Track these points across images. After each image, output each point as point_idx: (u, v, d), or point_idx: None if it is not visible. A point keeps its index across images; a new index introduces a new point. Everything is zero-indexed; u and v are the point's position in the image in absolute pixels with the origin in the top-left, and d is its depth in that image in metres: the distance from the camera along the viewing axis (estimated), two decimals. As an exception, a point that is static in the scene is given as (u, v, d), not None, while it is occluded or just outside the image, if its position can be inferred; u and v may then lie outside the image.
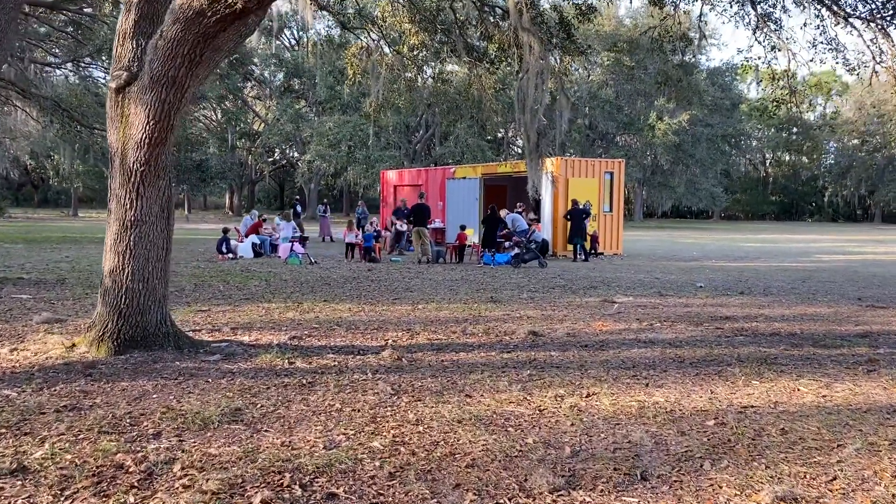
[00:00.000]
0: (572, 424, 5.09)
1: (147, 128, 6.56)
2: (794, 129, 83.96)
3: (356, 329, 8.73)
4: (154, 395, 5.61)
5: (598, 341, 8.21)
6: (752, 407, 5.63)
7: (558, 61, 15.67)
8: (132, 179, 6.72)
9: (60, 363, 6.50)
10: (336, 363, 6.82)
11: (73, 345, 6.98)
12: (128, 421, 4.97)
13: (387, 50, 18.58)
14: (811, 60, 14.81)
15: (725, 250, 27.55)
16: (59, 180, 54.35)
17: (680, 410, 5.51)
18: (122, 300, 6.78)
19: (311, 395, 5.68)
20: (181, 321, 8.98)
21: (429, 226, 20.56)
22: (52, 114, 27.27)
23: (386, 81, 18.84)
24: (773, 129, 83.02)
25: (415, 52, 18.04)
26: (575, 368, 6.79)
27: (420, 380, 6.23)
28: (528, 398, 5.72)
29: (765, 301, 12.18)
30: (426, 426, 4.97)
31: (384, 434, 4.79)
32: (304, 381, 6.08)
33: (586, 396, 5.81)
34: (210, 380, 6.09)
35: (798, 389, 6.19)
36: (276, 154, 68.87)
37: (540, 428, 5.00)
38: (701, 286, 14.19)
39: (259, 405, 5.39)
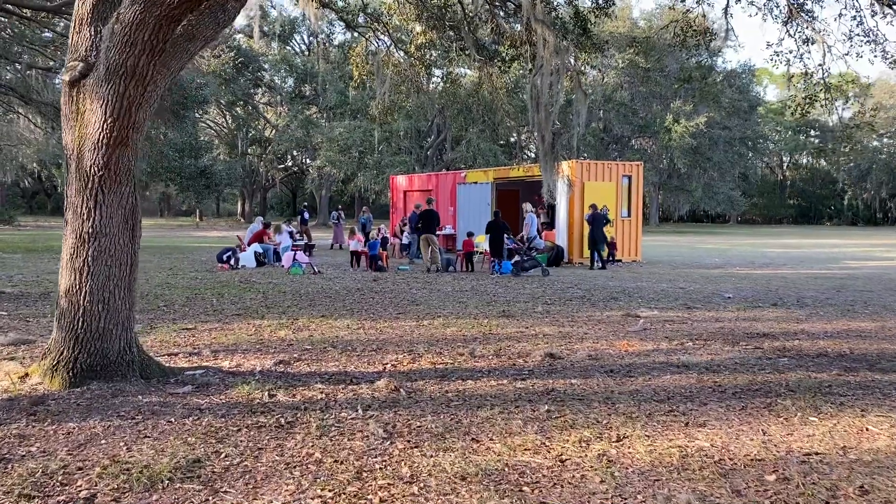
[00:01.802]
0: (602, 481, 4.16)
1: (105, 126, 5.70)
2: (812, 132, 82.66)
3: (352, 351, 7.83)
4: (102, 441, 4.73)
5: (624, 365, 7.27)
6: (817, 454, 4.68)
7: (573, 61, 14.75)
8: (90, 186, 5.86)
9: (5, 398, 5.64)
10: (323, 396, 5.91)
11: (27, 374, 6.12)
12: (60, 478, 4.08)
13: (393, 50, 17.72)
14: (847, 54, 13.71)
15: (748, 256, 26.47)
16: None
17: (730, 459, 4.56)
18: (79, 324, 5.91)
19: (287, 441, 4.78)
20: (160, 342, 8.14)
21: (439, 232, 19.68)
22: (54, 120, 26.63)
23: (392, 83, 17.96)
24: (790, 132, 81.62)
25: (422, 52, 17.17)
26: (600, 401, 5.85)
27: (419, 418, 5.32)
28: (547, 443, 4.80)
29: (802, 314, 11.17)
30: (422, 485, 4.06)
31: (369, 497, 3.87)
32: (283, 421, 5.18)
33: (616, 441, 4.88)
34: (173, 419, 5.20)
35: (867, 429, 5.22)
36: (287, 160, 68.30)
37: (562, 487, 4.07)
38: (729, 297, 13.20)
39: (223, 454, 4.49)
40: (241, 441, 4.76)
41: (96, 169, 5.81)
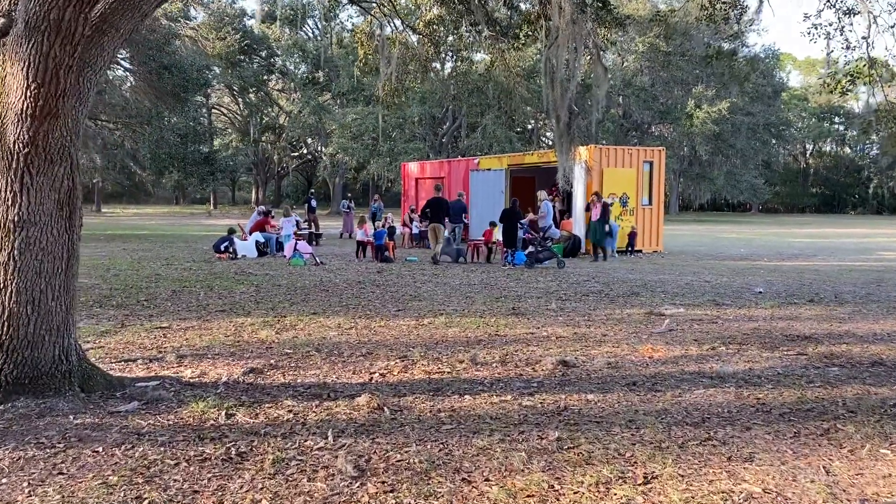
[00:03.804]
0: (626, 549, 3.19)
1: (28, 93, 4.78)
2: (837, 119, 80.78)
3: (338, 356, 6.89)
4: (3, 480, 3.82)
5: (648, 376, 6.27)
6: (901, 506, 3.68)
7: (591, 35, 13.66)
8: (14, 165, 4.94)
9: (-88, 417, 4.76)
10: (291, 416, 4.97)
11: (-52, 387, 5.22)
12: (-76, 538, 3.18)
13: (399, 25, 16.71)
14: (893, 26, 12.53)
15: (774, 247, 25.27)
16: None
17: (790, 512, 3.58)
18: (4, 329, 5.01)
19: (232, 481, 3.84)
20: (125, 344, 7.25)
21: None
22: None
23: (400, 63, 16.94)
24: (814, 119, 79.73)
25: (432, 28, 16.13)
26: (622, 425, 4.87)
27: (401, 448, 4.36)
28: (557, 486, 3.82)
29: (843, 312, 10.10)
30: (389, 554, 3.11)
31: (317, 573, 2.93)
32: (233, 453, 4.24)
33: (643, 483, 3.90)
34: (101, 448, 4.28)
35: (955, 467, 4.21)
36: (301, 148, 67.48)
37: (573, 557, 3.11)
38: (760, 292, 12.14)
39: (147, 501, 3.57)
40: (174, 481, 3.82)
41: (21, 145, 4.89)
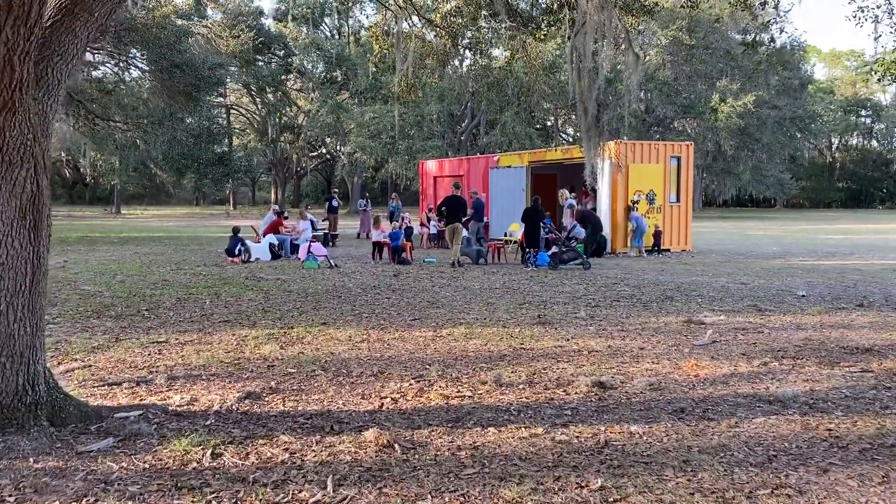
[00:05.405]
0: None
1: (-21, 85, 4.12)
2: (864, 112, 79.10)
3: (346, 375, 6.19)
4: (-68, 548, 3.17)
5: (697, 400, 5.51)
6: None
7: (619, 23, 12.86)
8: (-33, 168, 4.29)
9: None
10: (287, 456, 4.28)
11: None
12: None
13: (416, 20, 15.99)
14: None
15: (807, 244, 24.26)
16: (94, 177, 52.92)
17: None
18: (-42, 356, 4.37)
19: (206, 551, 3.16)
20: (115, 362, 6.61)
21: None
22: (66, 106, 25.42)
23: (416, 58, 16.22)
24: (840, 112, 77.97)
25: (449, 20, 15.39)
26: (675, 467, 4.13)
27: (413, 503, 3.64)
28: (604, 559, 3.10)
29: (899, 318, 9.26)
30: None
31: None
32: (213, 508, 3.56)
33: (711, 553, 3.16)
34: (59, 501, 3.61)
35: None
36: (320, 147, 67.04)
37: None
38: (803, 295, 11.30)
39: (97, 582, 2.89)
40: (136, 550, 3.15)
41: (-26, 145, 4.24)
